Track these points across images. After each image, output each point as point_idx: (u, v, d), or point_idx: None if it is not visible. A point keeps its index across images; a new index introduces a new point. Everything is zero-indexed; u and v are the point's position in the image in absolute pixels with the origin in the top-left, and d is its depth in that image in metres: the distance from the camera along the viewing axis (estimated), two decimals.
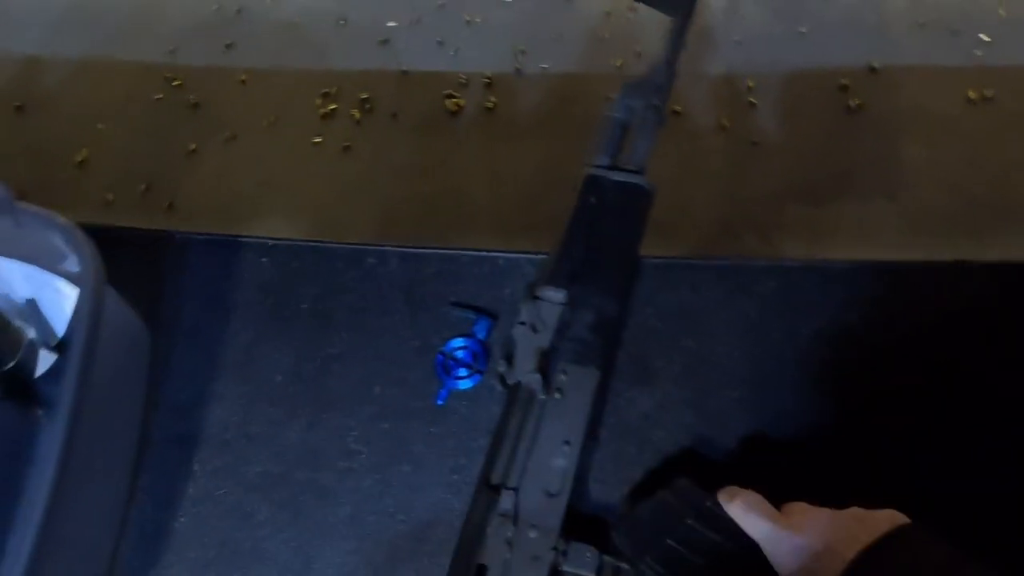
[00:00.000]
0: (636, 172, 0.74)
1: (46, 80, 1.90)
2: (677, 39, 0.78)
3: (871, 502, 0.57)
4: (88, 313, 0.66)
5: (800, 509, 0.60)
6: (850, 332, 0.72)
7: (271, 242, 0.82)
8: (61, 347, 0.70)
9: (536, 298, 0.71)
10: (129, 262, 0.82)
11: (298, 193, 1.66)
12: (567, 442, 0.66)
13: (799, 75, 1.60)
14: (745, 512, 0.61)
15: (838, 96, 1.57)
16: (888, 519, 0.55)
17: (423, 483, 0.73)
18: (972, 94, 1.55)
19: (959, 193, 1.45)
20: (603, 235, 0.73)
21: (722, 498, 0.62)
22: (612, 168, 0.75)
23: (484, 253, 0.79)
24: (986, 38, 1.61)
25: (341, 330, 0.78)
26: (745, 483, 0.63)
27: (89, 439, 0.65)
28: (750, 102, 1.58)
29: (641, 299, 0.76)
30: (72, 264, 0.69)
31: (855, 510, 0.57)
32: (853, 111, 1.55)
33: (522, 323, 0.70)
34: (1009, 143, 1.48)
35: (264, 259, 0.82)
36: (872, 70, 1.59)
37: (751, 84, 1.60)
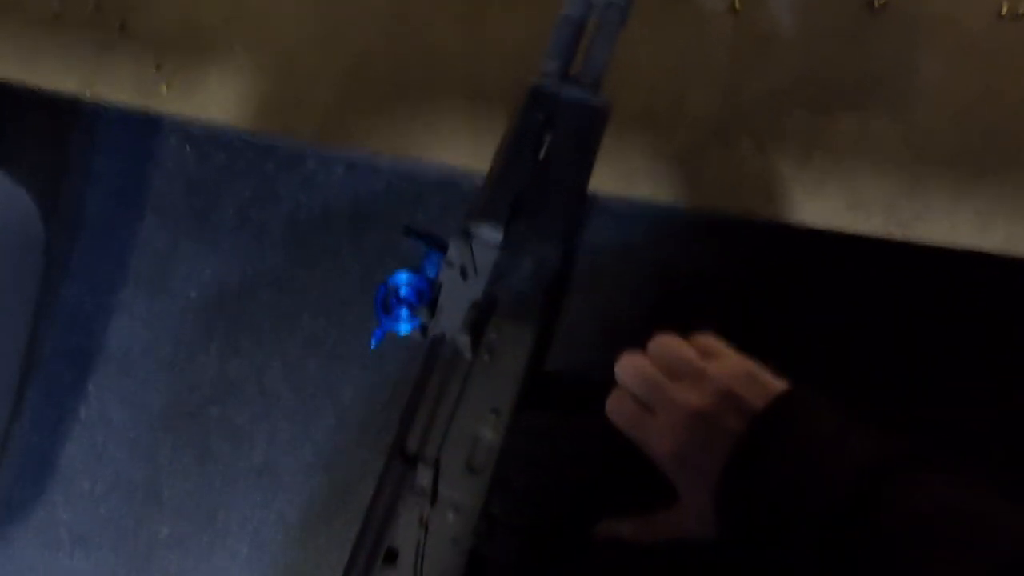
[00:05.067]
0: (591, 86, 0.61)
1: None
2: None
3: None
4: None
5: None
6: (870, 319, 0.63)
7: (197, 130, 0.70)
8: None
9: (468, 235, 0.60)
10: (28, 131, 0.69)
11: (263, 31, 1.49)
12: (495, 411, 0.58)
13: None
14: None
15: None
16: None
17: (347, 438, 0.64)
18: (1005, 9, 1.41)
19: (970, 122, 1.33)
20: (549, 163, 0.60)
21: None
22: (563, 79, 0.61)
23: (445, 172, 0.68)
24: None
25: (271, 245, 0.68)
26: None
27: None
28: None
29: (622, 252, 0.66)
30: None
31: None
32: (876, 11, 1.40)
33: (450, 264, 0.60)
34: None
35: (188, 147, 0.69)
36: None
37: None
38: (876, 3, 1.52)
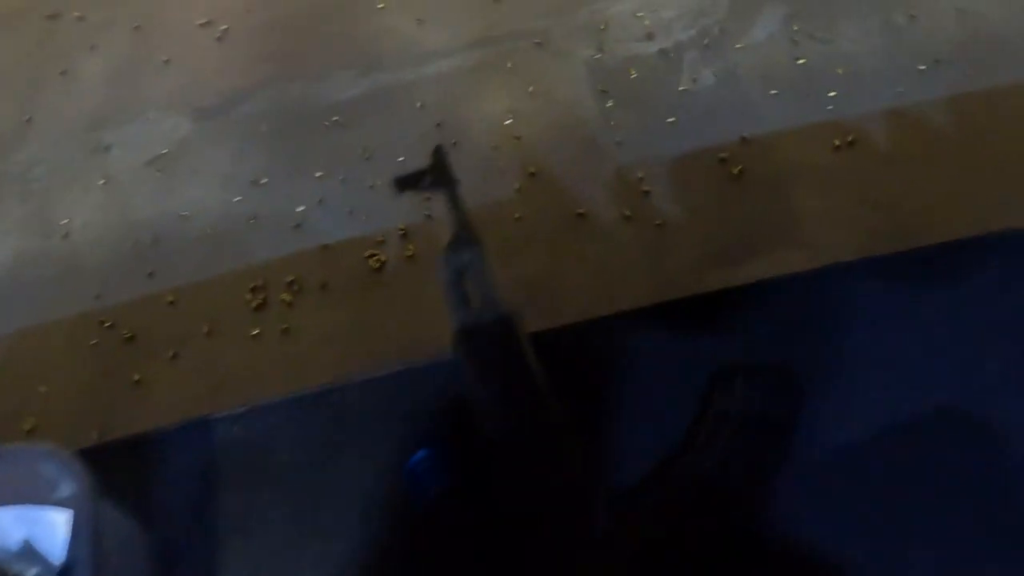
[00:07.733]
0: (492, 307, 0.80)
1: None
2: (457, 204, 0.88)
3: None
4: (88, 537, 0.68)
5: None
6: None
7: (238, 411, 0.87)
8: (63, 573, 0.70)
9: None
10: (114, 468, 0.84)
11: (248, 388, 1.69)
12: None
13: (681, 158, 1.74)
14: None
15: (720, 168, 1.70)
16: None
17: None
18: (837, 142, 1.71)
19: (857, 230, 1.57)
20: (503, 372, 0.78)
21: None
22: (472, 314, 0.80)
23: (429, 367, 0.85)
24: (832, 93, 1.79)
25: (323, 468, 0.82)
26: None
27: None
28: (644, 191, 1.70)
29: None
30: (63, 489, 0.71)
31: None
32: (737, 177, 1.68)
33: None
34: (884, 180, 1.63)
35: (235, 427, 0.86)
36: (744, 140, 1.74)
37: (641, 175, 1.73)
38: (734, 171, 1.81)
